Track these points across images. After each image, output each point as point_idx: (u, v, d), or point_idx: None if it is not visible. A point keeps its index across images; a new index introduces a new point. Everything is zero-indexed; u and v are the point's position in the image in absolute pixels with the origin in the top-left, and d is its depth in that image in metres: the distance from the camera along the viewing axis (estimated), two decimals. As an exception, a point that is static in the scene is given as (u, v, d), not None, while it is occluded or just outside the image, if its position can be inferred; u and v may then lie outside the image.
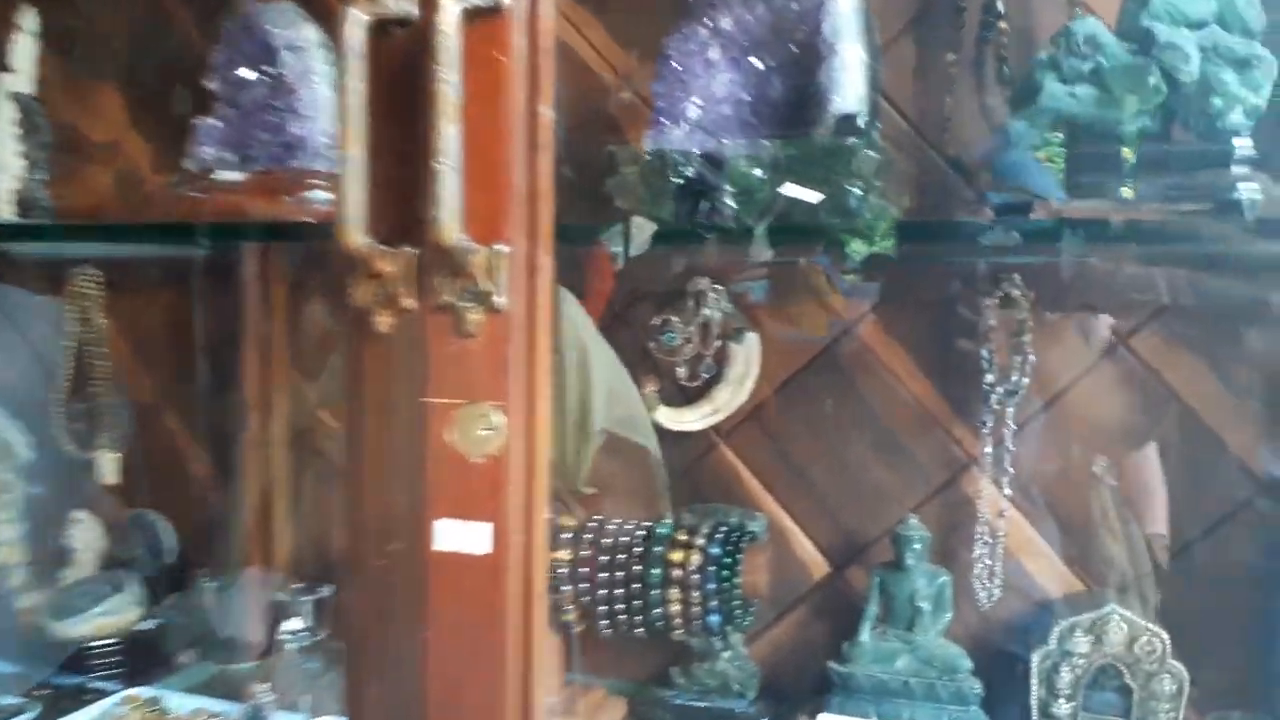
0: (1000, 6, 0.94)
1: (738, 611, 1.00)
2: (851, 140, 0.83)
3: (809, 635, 1.10)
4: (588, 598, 1.02)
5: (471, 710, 0.58)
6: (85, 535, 1.30)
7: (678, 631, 1.01)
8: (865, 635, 1.02)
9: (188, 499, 1.37)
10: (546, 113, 0.58)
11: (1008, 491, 1.00)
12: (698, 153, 0.88)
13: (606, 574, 1.02)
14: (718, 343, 1.10)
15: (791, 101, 0.90)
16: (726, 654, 1.08)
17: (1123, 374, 0.99)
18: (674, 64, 0.91)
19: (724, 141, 0.89)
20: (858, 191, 0.83)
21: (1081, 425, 1.00)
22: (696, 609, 1.00)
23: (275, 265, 1.27)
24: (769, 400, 1.11)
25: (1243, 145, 0.72)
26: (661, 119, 0.91)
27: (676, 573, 1.00)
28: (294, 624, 1.15)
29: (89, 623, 1.21)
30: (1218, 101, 0.72)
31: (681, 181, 0.87)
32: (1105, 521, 0.98)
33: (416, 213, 0.56)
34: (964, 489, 1.04)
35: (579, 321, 1.01)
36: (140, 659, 1.23)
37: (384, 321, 0.58)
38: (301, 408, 1.30)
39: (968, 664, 0.99)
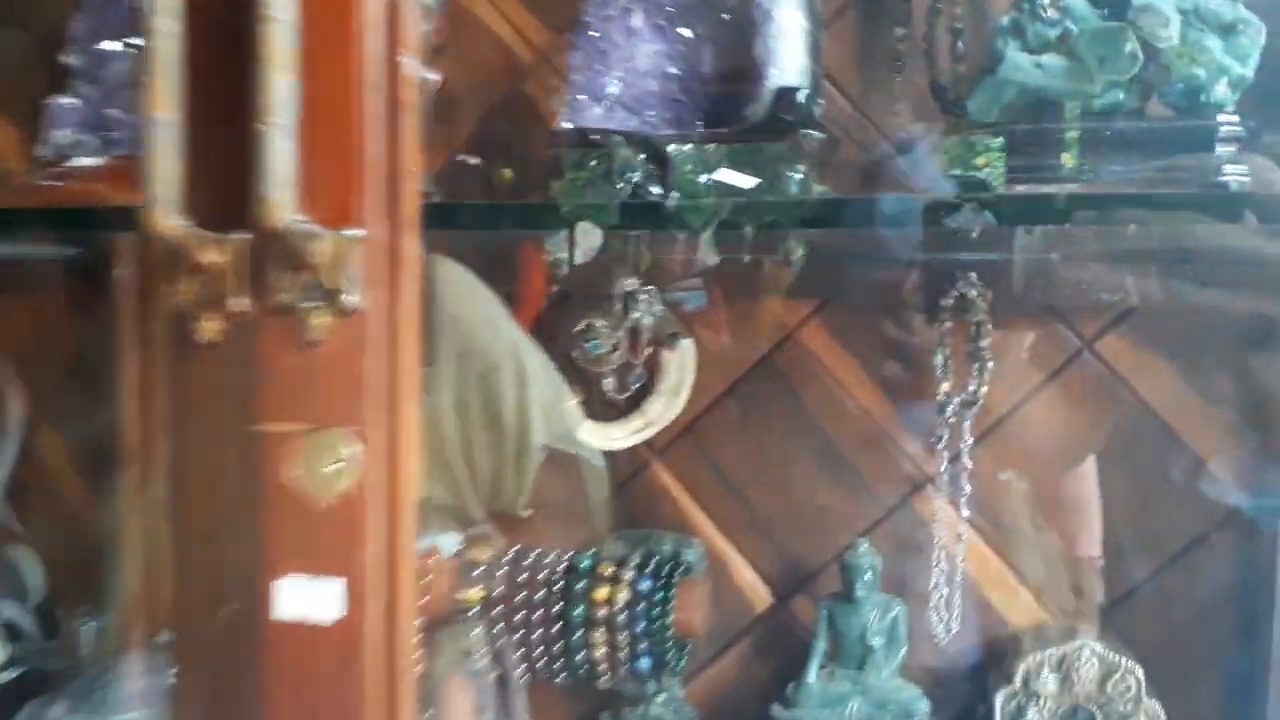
0: (954, -26, 0.85)
1: (670, 654, 0.89)
2: (790, 118, 0.72)
3: (751, 673, 1.00)
4: (504, 641, 0.90)
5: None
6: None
7: (604, 678, 0.89)
8: (812, 675, 0.92)
9: (59, 531, 1.22)
10: (412, 64, 0.46)
11: (966, 513, 0.91)
12: (618, 132, 0.77)
13: (523, 614, 0.90)
14: (649, 350, 0.99)
15: (724, 75, 0.80)
16: (660, 698, 0.96)
17: (1088, 382, 0.91)
18: (591, 33, 0.80)
19: (649, 117, 0.79)
20: (797, 176, 0.73)
21: (1046, 438, 0.91)
22: (624, 652, 0.88)
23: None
24: (706, 413, 1.01)
25: (1228, 122, 0.64)
26: (578, 94, 0.80)
27: (601, 612, 0.88)
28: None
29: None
30: (1200, 72, 0.64)
31: (628, 183, 0.76)
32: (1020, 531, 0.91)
33: (248, 190, 0.44)
34: (918, 510, 0.95)
35: (512, 330, 0.89)
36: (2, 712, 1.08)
37: (208, 328, 0.46)
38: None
39: (925, 706, 0.89)
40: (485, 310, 0.86)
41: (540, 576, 0.91)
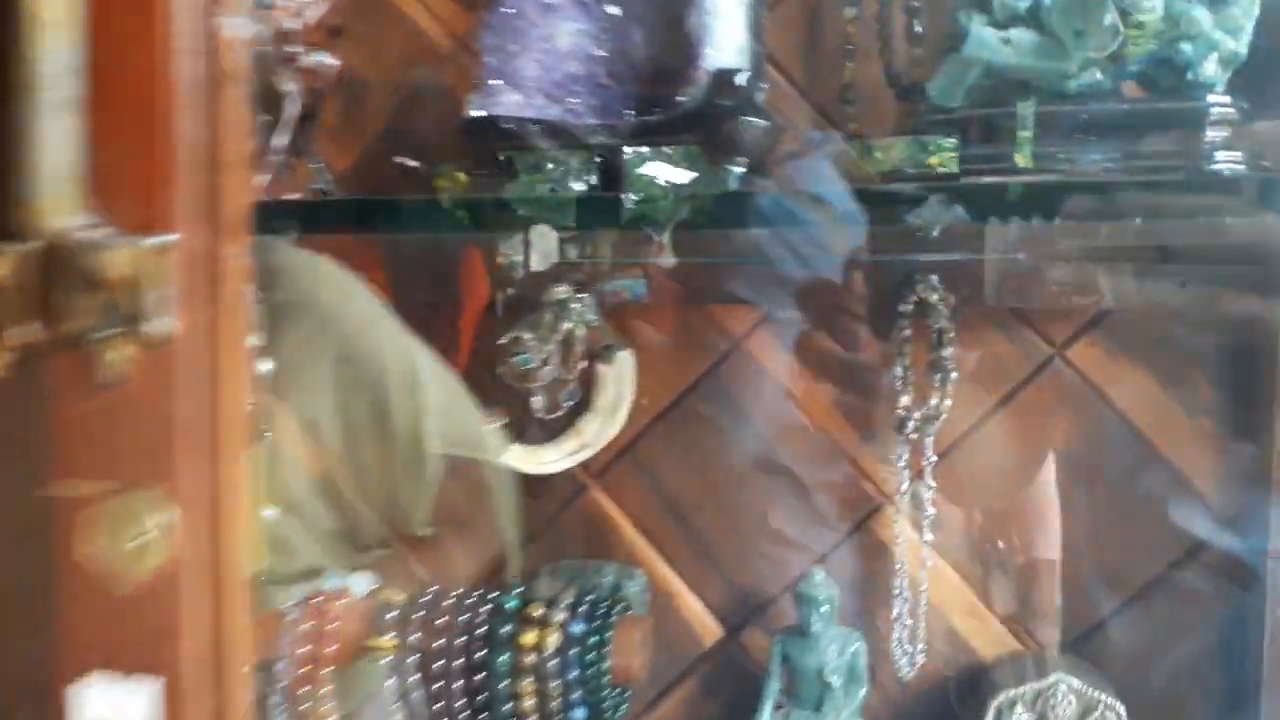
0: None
1: (608, 703, 0.80)
2: (729, 103, 0.64)
3: (699, 716, 0.91)
4: (419, 693, 0.80)
5: None
6: None
7: (533, 732, 0.80)
8: (765, 717, 0.83)
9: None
10: (234, 27, 0.36)
11: (930, 536, 0.83)
12: (535, 121, 0.68)
13: (442, 662, 0.80)
14: (583, 364, 0.90)
15: (656, 57, 0.71)
16: (600, 746, 0.88)
17: (1059, 392, 0.84)
18: (505, 8, 0.71)
19: (572, 104, 0.70)
20: (737, 170, 0.64)
21: (1015, 454, 0.84)
22: (556, 702, 0.79)
23: None
24: (647, 431, 0.92)
25: (1220, 103, 0.56)
26: (491, 79, 0.70)
27: (530, 659, 0.79)
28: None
29: None
30: (1187, 48, 0.56)
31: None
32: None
33: (12, 187, 0.34)
34: (879, 534, 0.87)
35: (398, 332, 0.79)
36: None
37: (-19, 362, 0.36)
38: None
39: (889, 751, 0.81)
40: (367, 311, 0.76)
41: (461, 619, 0.81)
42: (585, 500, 0.93)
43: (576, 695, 0.79)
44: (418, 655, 0.81)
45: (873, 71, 0.81)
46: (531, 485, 0.89)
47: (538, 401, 0.89)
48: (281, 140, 0.76)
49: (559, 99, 0.70)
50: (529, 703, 0.80)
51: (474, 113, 0.70)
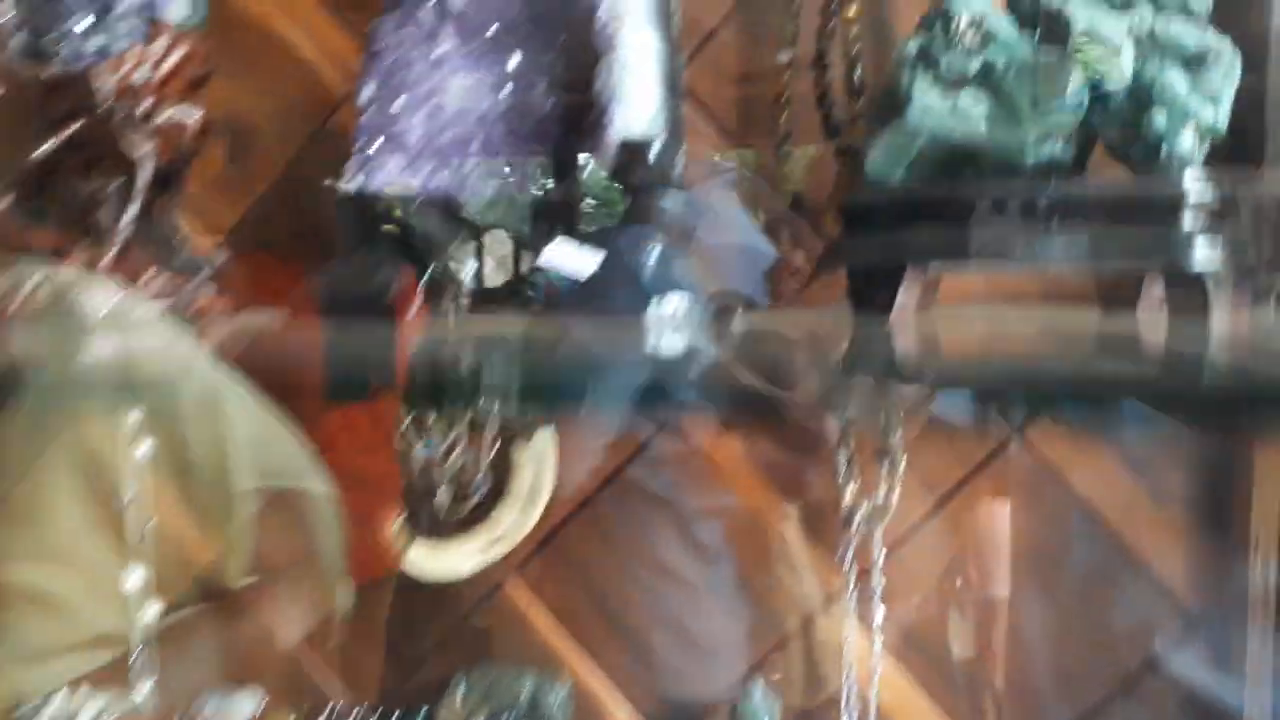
0: (848, -14, 0.70)
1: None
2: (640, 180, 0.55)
3: (631, 840, 0.82)
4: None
5: None
6: None
7: None
8: None
9: None
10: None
11: (880, 639, 0.75)
12: (419, 195, 0.59)
13: (330, 803, 0.70)
14: (496, 446, 0.80)
15: (564, 116, 0.62)
16: None
17: (1016, 475, 0.76)
18: (386, 61, 0.62)
19: (465, 170, 0.61)
20: (655, 251, 0.56)
21: (971, 546, 0.76)
22: None
23: None
24: (571, 520, 0.83)
25: (1196, 183, 0.49)
26: (368, 142, 0.61)
27: (429, 800, 0.69)
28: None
29: None
30: (1160, 118, 0.49)
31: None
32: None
33: None
34: (824, 636, 0.79)
35: (198, 359, 0.67)
36: None
37: None
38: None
39: None
40: (154, 339, 0.65)
41: (352, 753, 0.71)
42: (500, 599, 0.84)
43: (485, 840, 0.70)
44: (302, 796, 0.71)
45: (813, 119, 0.74)
46: (436, 586, 0.79)
47: (443, 493, 0.79)
48: (131, 211, 0.66)
49: (447, 163, 0.61)
50: None
51: (349, 184, 0.60)
